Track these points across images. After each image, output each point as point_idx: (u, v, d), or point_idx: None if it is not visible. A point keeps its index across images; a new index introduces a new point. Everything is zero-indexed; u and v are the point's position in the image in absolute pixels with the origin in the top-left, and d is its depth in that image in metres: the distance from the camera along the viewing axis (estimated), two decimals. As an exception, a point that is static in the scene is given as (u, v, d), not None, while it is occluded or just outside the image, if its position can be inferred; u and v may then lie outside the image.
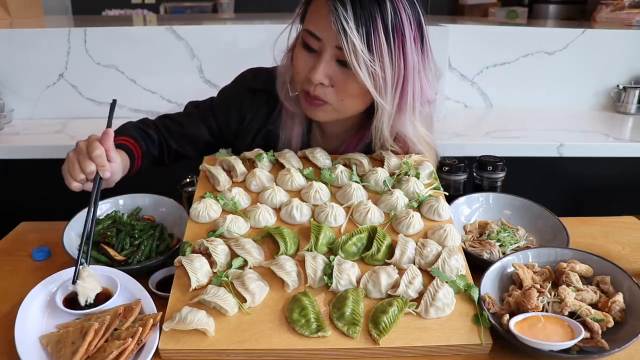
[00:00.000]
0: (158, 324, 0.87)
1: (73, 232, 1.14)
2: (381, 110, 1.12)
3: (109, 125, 1.07)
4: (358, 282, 0.94)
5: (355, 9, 1.00)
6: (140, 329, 0.84)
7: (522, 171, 1.83)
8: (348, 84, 1.09)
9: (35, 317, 0.90)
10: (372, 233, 1.03)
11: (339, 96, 1.11)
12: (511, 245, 1.12)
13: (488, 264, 0.99)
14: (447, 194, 1.16)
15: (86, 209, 1.18)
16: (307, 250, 1.00)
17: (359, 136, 1.29)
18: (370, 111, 1.18)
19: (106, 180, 1.05)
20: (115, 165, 1.04)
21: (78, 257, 0.96)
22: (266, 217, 1.07)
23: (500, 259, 1.01)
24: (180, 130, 1.33)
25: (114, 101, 1.11)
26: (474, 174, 1.35)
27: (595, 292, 0.92)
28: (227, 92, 1.37)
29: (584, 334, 0.82)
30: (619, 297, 0.90)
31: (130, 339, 0.81)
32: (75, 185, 1.02)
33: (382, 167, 1.20)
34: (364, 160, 1.21)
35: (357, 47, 1.01)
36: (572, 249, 1.03)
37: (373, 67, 1.03)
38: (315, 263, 0.95)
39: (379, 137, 1.20)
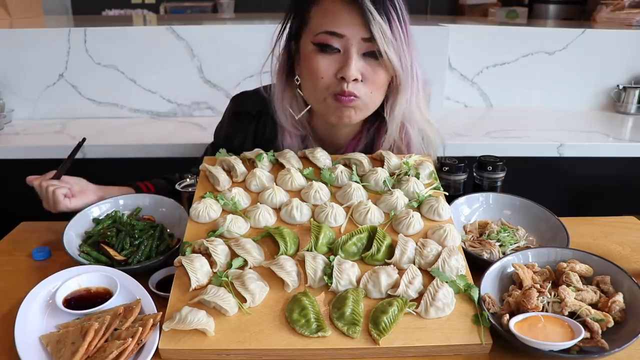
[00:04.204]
0: (158, 324, 0.87)
1: (73, 232, 1.14)
2: (401, 96, 1.15)
3: (71, 156, 1.31)
4: (358, 282, 0.94)
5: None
6: (140, 329, 0.84)
7: (522, 171, 1.83)
8: (376, 75, 1.11)
9: (35, 317, 0.90)
10: (372, 233, 1.03)
11: (368, 89, 1.12)
12: (511, 245, 1.12)
13: (488, 264, 0.99)
14: (447, 194, 1.16)
15: (85, 209, 1.20)
16: (307, 250, 1.00)
17: (355, 141, 1.30)
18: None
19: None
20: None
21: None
22: (266, 217, 1.07)
23: (500, 259, 1.00)
24: None
25: (84, 140, 1.32)
26: (474, 174, 1.35)
27: (595, 292, 0.92)
28: (218, 128, 1.42)
29: (584, 334, 0.82)
30: (619, 297, 0.90)
31: (130, 339, 0.81)
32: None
33: (382, 167, 1.20)
34: (364, 160, 1.21)
35: (386, 32, 1.05)
36: (572, 249, 1.03)
37: (397, 51, 1.08)
38: (315, 263, 0.95)
39: (395, 126, 1.21)
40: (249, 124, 1.33)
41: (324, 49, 1.09)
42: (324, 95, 1.14)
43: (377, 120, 1.25)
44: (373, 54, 1.09)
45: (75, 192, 1.22)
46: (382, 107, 1.20)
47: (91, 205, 1.22)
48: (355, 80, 1.09)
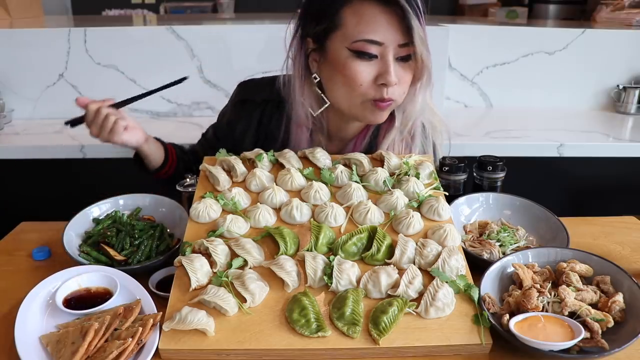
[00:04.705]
0: (158, 324, 0.87)
1: (73, 232, 1.14)
2: (421, 92, 1.17)
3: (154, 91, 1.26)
4: (358, 282, 0.94)
5: (409, 0, 1.05)
6: (140, 329, 0.84)
7: (522, 171, 1.83)
8: (406, 77, 1.13)
9: (35, 317, 0.90)
10: (372, 233, 1.03)
11: (401, 90, 1.14)
12: (511, 245, 1.12)
13: (488, 264, 0.99)
14: (447, 194, 1.16)
15: (85, 209, 1.20)
16: (307, 250, 1.00)
17: (362, 135, 1.30)
18: None
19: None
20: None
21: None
22: (266, 217, 1.07)
23: (500, 259, 1.00)
24: (197, 157, 1.39)
25: (185, 78, 1.31)
26: (474, 174, 1.35)
27: (595, 292, 0.92)
28: (221, 113, 1.42)
29: (584, 334, 0.82)
30: (619, 297, 0.90)
31: (130, 339, 0.81)
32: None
33: (382, 167, 1.20)
34: (364, 160, 1.21)
35: (421, 35, 1.07)
36: (572, 249, 1.03)
37: (427, 49, 1.10)
38: (315, 263, 0.95)
39: (409, 120, 1.23)
40: (253, 112, 1.33)
41: (361, 55, 1.09)
42: (362, 100, 1.14)
43: None
44: (406, 57, 1.10)
45: (129, 126, 1.20)
46: None
47: (141, 142, 1.25)
48: (394, 84, 1.11)
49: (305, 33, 1.17)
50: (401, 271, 0.95)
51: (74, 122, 1.20)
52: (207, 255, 0.99)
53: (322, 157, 1.23)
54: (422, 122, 1.29)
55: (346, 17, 1.09)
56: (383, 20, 1.06)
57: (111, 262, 1.07)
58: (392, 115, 1.24)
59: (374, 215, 1.07)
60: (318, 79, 1.19)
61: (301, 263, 0.97)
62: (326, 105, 1.21)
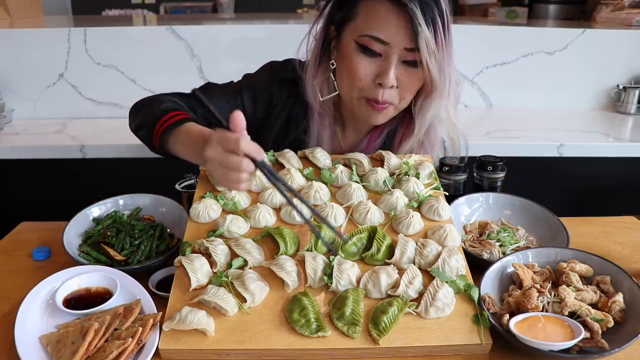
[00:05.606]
0: (158, 324, 0.87)
1: (73, 232, 1.14)
2: (434, 101, 1.15)
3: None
4: (358, 282, 0.94)
5: (423, 7, 1.03)
6: (140, 329, 0.84)
7: (522, 171, 1.83)
8: (411, 83, 1.12)
9: (35, 317, 0.90)
10: (372, 233, 1.03)
11: (401, 95, 1.14)
12: (511, 245, 1.12)
13: (488, 264, 0.99)
14: (447, 194, 1.16)
15: (85, 209, 1.19)
16: (307, 250, 1.00)
17: (378, 131, 1.31)
18: None
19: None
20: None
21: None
22: (266, 217, 1.07)
23: (500, 259, 1.00)
24: (205, 110, 1.27)
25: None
26: (474, 174, 1.35)
27: (595, 292, 0.92)
28: (255, 79, 1.33)
29: (584, 334, 0.82)
30: (619, 297, 0.90)
31: (130, 339, 0.81)
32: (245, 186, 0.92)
33: (382, 167, 1.20)
34: (364, 160, 1.21)
35: (431, 44, 1.04)
36: (572, 249, 1.03)
37: (439, 60, 1.07)
38: (315, 263, 0.95)
39: (424, 126, 1.23)
40: (290, 96, 1.31)
41: (365, 51, 1.10)
42: (358, 95, 1.15)
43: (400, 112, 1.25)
44: (412, 63, 1.09)
45: None
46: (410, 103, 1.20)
47: None
48: (392, 87, 1.10)
49: (330, 20, 1.18)
50: (401, 271, 0.95)
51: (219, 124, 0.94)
52: (207, 255, 0.99)
53: (322, 157, 1.23)
54: (442, 137, 1.29)
55: (361, 10, 1.10)
56: (392, 21, 1.05)
57: (111, 262, 1.07)
58: (411, 120, 1.24)
59: (374, 215, 1.07)
60: (334, 66, 1.20)
61: (301, 263, 0.97)
62: (335, 94, 1.21)
